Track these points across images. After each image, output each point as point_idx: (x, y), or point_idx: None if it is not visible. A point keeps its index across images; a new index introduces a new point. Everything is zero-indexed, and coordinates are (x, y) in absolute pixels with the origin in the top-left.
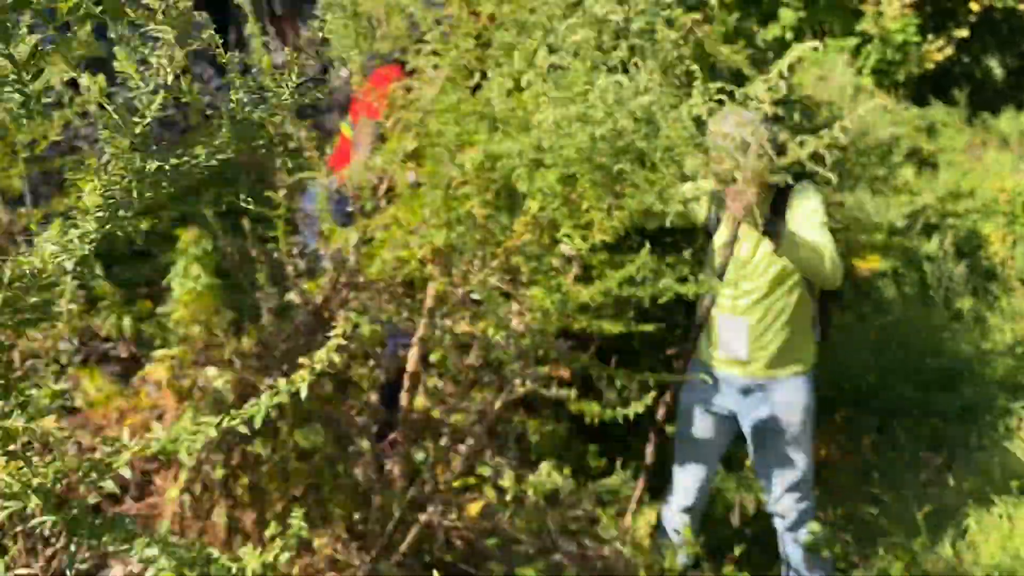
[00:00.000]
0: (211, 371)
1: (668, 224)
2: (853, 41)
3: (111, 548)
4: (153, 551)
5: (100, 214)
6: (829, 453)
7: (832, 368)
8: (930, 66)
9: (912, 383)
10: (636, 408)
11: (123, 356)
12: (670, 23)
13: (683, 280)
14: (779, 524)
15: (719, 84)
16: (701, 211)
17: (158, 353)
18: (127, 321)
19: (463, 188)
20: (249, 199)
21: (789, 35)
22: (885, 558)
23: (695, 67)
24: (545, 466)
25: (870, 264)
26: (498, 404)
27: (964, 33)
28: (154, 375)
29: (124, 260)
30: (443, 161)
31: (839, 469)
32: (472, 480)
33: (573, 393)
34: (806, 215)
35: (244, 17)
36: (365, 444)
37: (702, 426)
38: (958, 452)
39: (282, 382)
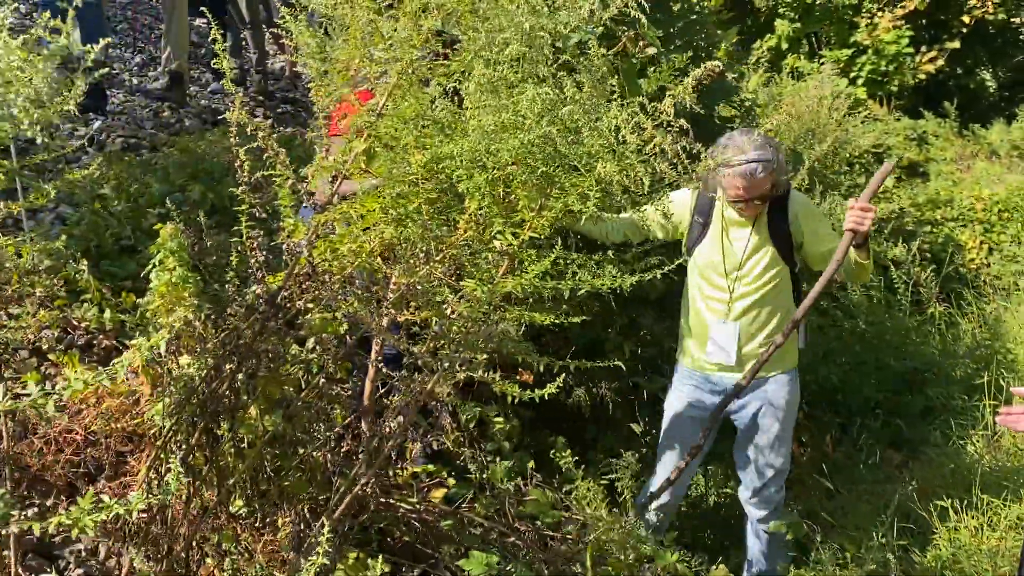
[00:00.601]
0: (184, 359)
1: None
2: (847, 52)
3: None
4: None
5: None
6: (792, 449)
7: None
8: (923, 77)
9: (876, 384)
10: (548, 390)
11: (105, 346)
12: (606, 38)
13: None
14: (753, 514)
15: (637, 98)
16: (658, 230)
17: (134, 341)
18: (108, 313)
19: (411, 188)
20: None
21: (785, 46)
22: (836, 547)
23: (619, 81)
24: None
25: None
26: (429, 386)
27: (956, 45)
28: (132, 362)
29: (111, 256)
30: (394, 161)
31: (800, 465)
32: (432, 468)
33: (497, 376)
34: (828, 231)
35: (237, 23)
36: (322, 428)
37: (687, 427)
38: (918, 451)
39: None
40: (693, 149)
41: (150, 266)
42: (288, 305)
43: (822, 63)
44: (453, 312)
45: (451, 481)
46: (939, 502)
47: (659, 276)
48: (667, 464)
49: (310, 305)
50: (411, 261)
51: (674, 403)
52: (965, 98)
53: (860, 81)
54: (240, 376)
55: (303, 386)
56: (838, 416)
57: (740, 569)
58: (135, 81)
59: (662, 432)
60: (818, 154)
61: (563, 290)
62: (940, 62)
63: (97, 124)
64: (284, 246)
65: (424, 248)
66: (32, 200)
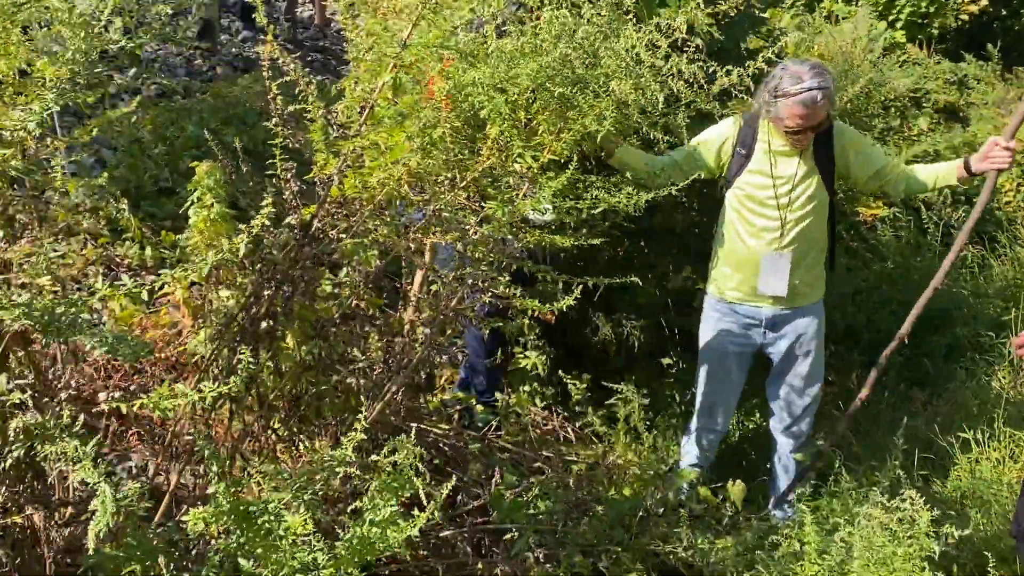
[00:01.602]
0: (224, 292)
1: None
2: None
3: None
4: None
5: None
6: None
7: (825, 305)
8: (965, 19)
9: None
10: (566, 302)
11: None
12: None
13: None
14: (783, 446)
15: (655, 20)
16: (702, 168)
17: (173, 271)
18: (149, 250)
19: (435, 115)
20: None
21: None
22: (857, 476)
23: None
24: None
25: (874, 211)
26: (453, 303)
27: None
28: (173, 296)
29: (150, 197)
30: (419, 92)
31: (825, 402)
32: (461, 395)
33: (519, 291)
34: (873, 150)
35: None
36: (356, 352)
37: (725, 361)
38: (943, 388)
39: None
40: (710, 69)
41: (188, 203)
42: (320, 235)
43: (859, 5)
44: (475, 234)
45: (480, 408)
46: (961, 434)
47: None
48: (709, 397)
49: (342, 235)
50: (436, 188)
51: (709, 337)
52: (1009, 40)
53: (899, 24)
54: (276, 302)
55: (337, 312)
56: (863, 355)
57: (765, 498)
58: (167, 29)
59: (699, 366)
60: (850, 96)
61: (581, 209)
62: (984, 3)
63: (132, 72)
64: (317, 179)
65: (449, 175)
66: (74, 138)
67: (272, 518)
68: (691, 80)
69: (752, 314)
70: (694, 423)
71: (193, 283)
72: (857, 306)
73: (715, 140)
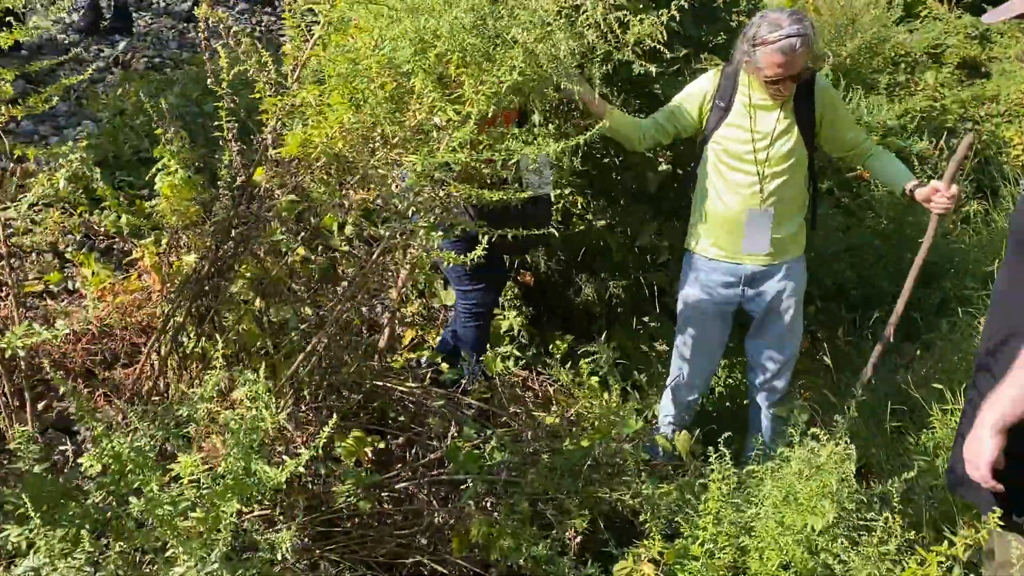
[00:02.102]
0: (188, 258)
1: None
2: None
3: None
4: None
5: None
6: (803, 342)
7: (814, 263)
8: None
9: (893, 278)
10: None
11: (123, 250)
12: None
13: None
14: (763, 401)
15: None
16: (681, 127)
17: (143, 241)
18: (124, 218)
19: (365, 72)
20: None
21: None
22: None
23: None
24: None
25: None
26: (375, 255)
27: None
28: (142, 262)
29: (130, 166)
30: (346, 47)
31: (809, 356)
32: (427, 354)
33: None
34: (849, 118)
35: None
36: (308, 311)
37: (704, 320)
38: (932, 342)
39: None
40: (625, 19)
41: (154, 169)
42: (260, 193)
43: None
44: (396, 185)
45: (445, 366)
46: (936, 386)
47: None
48: (688, 356)
49: (279, 191)
50: (369, 144)
51: (688, 294)
52: None
53: None
54: (220, 258)
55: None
56: (852, 312)
57: (740, 453)
58: (163, 3)
59: (680, 325)
60: (849, 51)
61: (497, 160)
62: None
63: (122, 45)
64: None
65: (380, 131)
66: (33, 104)
67: (145, 458)
68: (606, 31)
69: (732, 271)
70: (672, 381)
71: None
72: (848, 263)
73: (695, 95)
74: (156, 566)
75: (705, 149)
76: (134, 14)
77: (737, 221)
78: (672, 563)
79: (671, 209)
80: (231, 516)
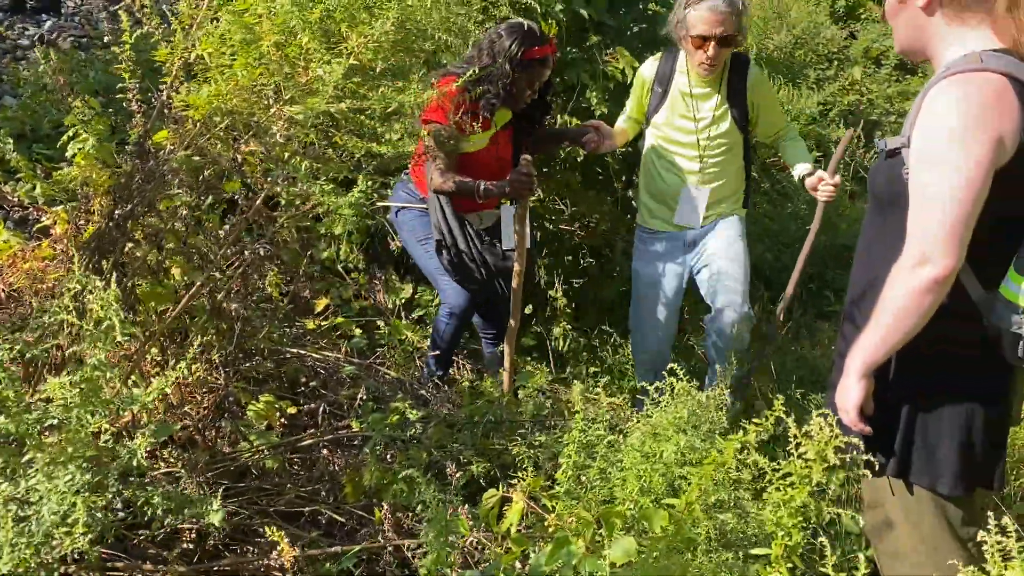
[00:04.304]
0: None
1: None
2: None
3: None
4: None
5: None
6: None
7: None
8: None
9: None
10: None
11: (38, 219)
12: None
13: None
14: (716, 341)
15: None
16: (638, 102)
17: (55, 209)
18: (39, 188)
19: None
20: None
21: None
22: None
23: None
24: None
25: None
26: (257, 202)
27: None
28: (54, 229)
29: (48, 139)
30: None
31: None
32: (341, 320)
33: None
34: (777, 107)
35: None
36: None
37: (654, 288)
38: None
39: None
40: None
41: (64, 137)
42: (159, 149)
43: None
44: (279, 134)
45: (358, 331)
46: None
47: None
48: (640, 319)
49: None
50: (263, 101)
51: (638, 265)
52: None
53: None
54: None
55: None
56: (769, 290)
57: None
58: None
59: (633, 293)
60: (776, 43)
61: (371, 108)
62: None
63: (48, 24)
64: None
65: (274, 88)
66: None
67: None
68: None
69: (675, 237)
70: (637, 347)
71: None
72: (765, 244)
73: (636, 87)
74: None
75: (646, 132)
76: None
77: (674, 197)
78: (537, 490)
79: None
80: (93, 428)
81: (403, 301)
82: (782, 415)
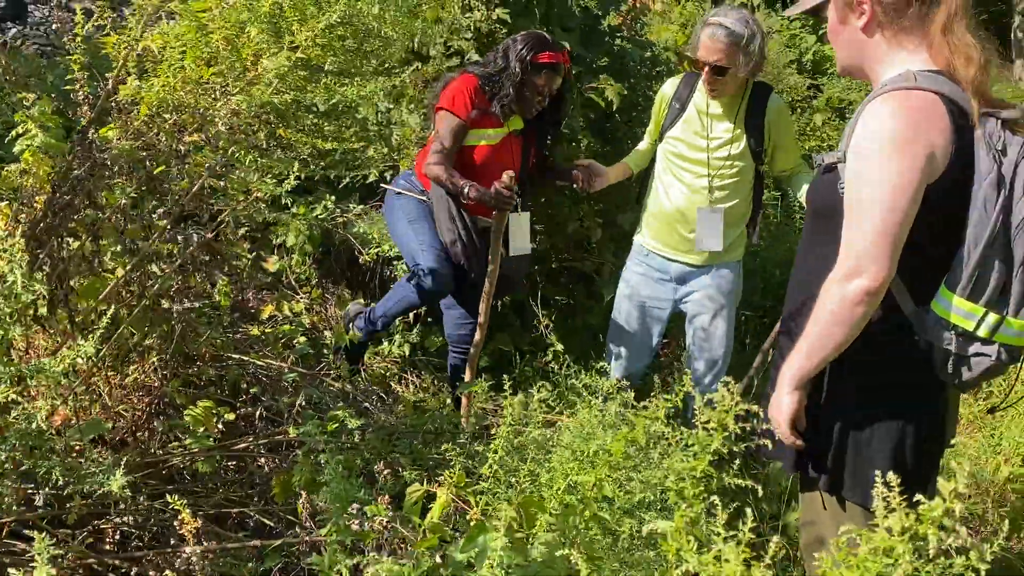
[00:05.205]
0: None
1: None
2: None
3: None
4: None
5: None
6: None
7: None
8: None
9: (762, 292)
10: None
11: None
12: None
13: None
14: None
15: None
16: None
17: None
18: None
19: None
20: None
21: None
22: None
23: None
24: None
25: None
26: (194, 190)
27: None
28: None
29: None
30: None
31: None
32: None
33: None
34: (793, 144)
35: None
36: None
37: (635, 310)
38: None
39: None
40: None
41: (12, 134)
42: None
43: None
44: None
45: (302, 339)
46: None
47: None
48: (618, 336)
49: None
50: (210, 95)
51: (626, 280)
52: None
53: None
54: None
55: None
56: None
57: None
58: None
59: (615, 308)
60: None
61: (314, 100)
62: None
63: (12, 31)
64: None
65: (222, 80)
66: None
67: None
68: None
69: (662, 267)
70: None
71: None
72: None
73: (657, 104)
74: None
75: (658, 147)
76: (29, 5)
77: (674, 218)
78: (463, 486)
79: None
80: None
81: None
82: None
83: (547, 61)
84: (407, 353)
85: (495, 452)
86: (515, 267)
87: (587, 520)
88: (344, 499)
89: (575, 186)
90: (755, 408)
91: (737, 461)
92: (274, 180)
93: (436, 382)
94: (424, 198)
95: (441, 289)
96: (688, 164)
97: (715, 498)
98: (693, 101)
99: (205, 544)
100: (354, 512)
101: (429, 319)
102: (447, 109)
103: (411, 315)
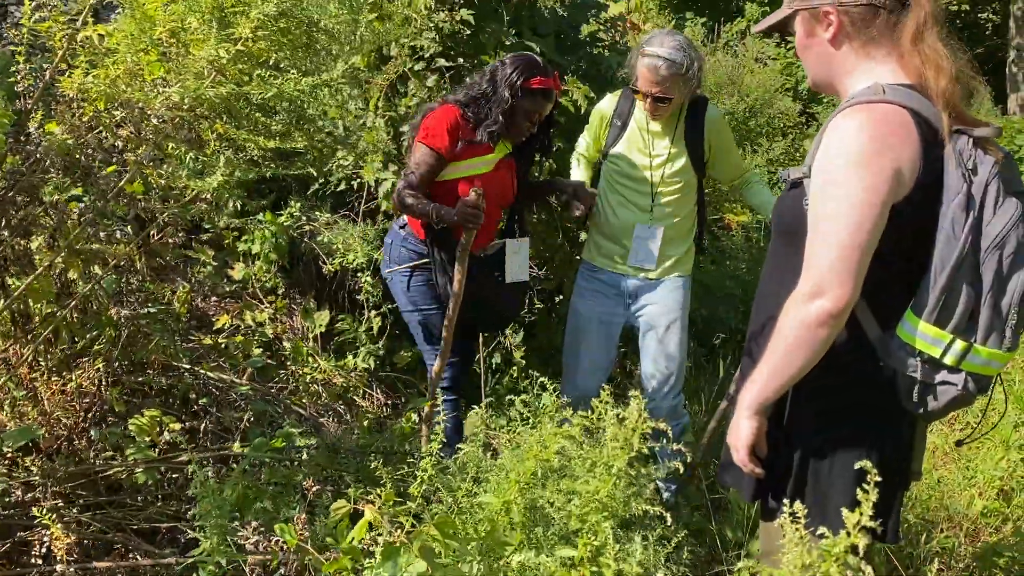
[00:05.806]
0: None
1: None
2: None
3: None
4: None
5: None
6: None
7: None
8: None
9: (742, 316)
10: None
11: None
12: None
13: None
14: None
15: None
16: (594, 137)
17: None
18: None
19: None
20: None
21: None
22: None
23: None
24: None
25: (740, 217)
26: (123, 183)
27: None
28: None
29: None
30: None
31: None
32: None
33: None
34: (734, 149)
35: None
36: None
37: (589, 326)
38: None
39: None
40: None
41: None
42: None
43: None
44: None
45: (256, 351)
46: None
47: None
48: (572, 356)
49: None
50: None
51: (577, 300)
52: None
53: None
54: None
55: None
56: (694, 340)
57: None
58: None
59: (567, 328)
60: (729, 107)
61: (251, 94)
62: None
63: None
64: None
65: (164, 75)
66: None
67: None
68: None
69: (614, 282)
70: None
71: None
72: (698, 299)
73: (595, 122)
74: None
75: (602, 166)
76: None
77: (622, 234)
78: (391, 504)
79: None
80: None
81: (322, 329)
82: (608, 407)
83: (539, 87)
84: (372, 367)
85: (424, 471)
86: (510, 297)
87: (493, 544)
88: (223, 515)
89: (576, 214)
90: (664, 426)
91: (651, 485)
92: (227, 180)
93: (403, 400)
94: (421, 258)
95: (458, 382)
96: (631, 182)
97: (611, 528)
98: (634, 118)
99: (101, 563)
100: (240, 528)
101: (397, 331)
102: (422, 142)
103: (375, 327)
